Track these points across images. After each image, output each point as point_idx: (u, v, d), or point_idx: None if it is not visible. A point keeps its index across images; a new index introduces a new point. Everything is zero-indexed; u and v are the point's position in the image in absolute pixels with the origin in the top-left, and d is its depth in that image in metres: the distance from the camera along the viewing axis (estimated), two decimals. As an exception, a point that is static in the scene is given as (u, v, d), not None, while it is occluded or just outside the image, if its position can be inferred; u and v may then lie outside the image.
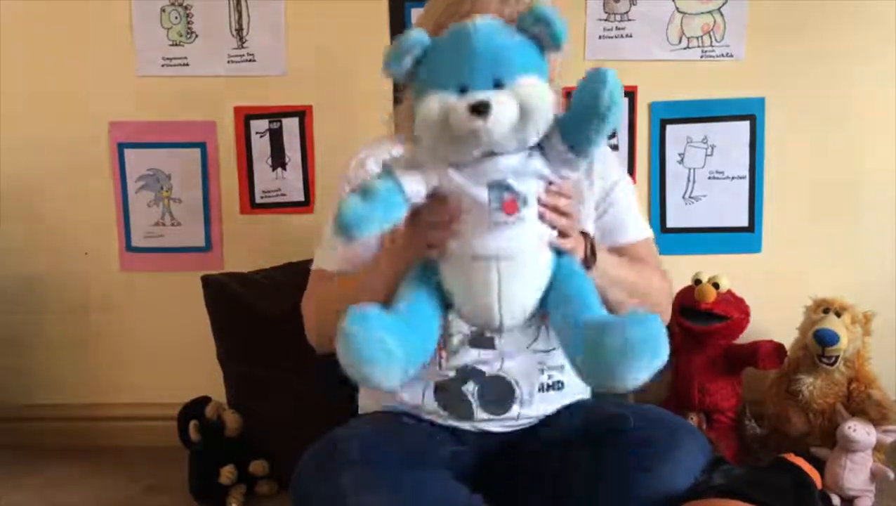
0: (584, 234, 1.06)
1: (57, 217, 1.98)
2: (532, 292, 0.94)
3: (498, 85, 0.88)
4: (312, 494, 1.04)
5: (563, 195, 0.96)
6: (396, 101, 1.14)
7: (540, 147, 0.93)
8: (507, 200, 0.91)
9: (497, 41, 0.90)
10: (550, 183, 0.94)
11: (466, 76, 0.89)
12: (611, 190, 1.26)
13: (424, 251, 0.98)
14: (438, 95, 0.89)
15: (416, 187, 0.92)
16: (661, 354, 0.84)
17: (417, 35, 0.92)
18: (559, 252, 0.97)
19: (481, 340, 1.18)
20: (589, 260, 1.05)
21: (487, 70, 0.88)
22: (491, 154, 0.90)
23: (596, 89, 0.85)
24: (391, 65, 0.93)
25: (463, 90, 0.88)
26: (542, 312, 0.96)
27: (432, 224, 0.96)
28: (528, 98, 0.87)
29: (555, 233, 0.95)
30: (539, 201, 0.93)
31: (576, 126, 0.89)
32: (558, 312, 0.93)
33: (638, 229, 1.28)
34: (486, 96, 0.86)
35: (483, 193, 0.91)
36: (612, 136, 1.86)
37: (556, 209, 0.95)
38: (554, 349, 1.19)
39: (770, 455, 1.41)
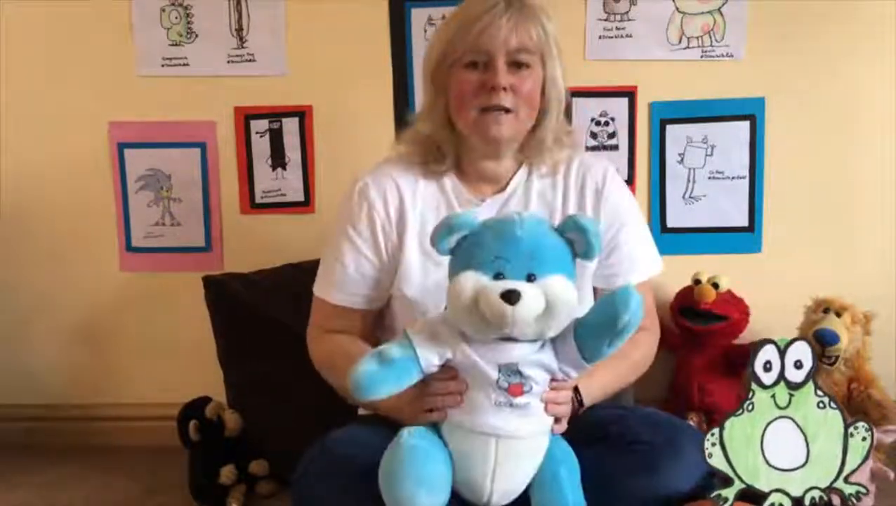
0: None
1: (57, 217, 1.97)
2: (524, 475, 1.00)
3: (530, 278, 0.94)
4: (312, 495, 1.04)
5: (563, 389, 1.03)
6: (399, 121, 1.15)
7: (552, 342, 0.99)
8: (515, 384, 0.97)
9: (538, 239, 0.97)
10: (553, 379, 1.00)
11: (504, 265, 0.94)
12: (617, 232, 1.28)
13: (424, 416, 1.03)
14: (475, 275, 0.94)
15: (431, 359, 0.98)
16: None
17: (467, 218, 0.99)
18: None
19: None
20: (578, 410, 1.12)
21: (524, 263, 0.95)
22: (508, 339, 0.96)
23: (618, 310, 0.92)
24: (439, 243, 0.99)
25: (497, 276, 0.94)
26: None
27: (437, 392, 1.01)
28: (555, 295, 0.93)
29: (552, 420, 1.02)
30: (541, 398, 0.99)
31: (590, 334, 0.96)
32: (541, 492, 0.99)
33: (638, 273, 1.29)
34: (518, 286, 0.92)
35: (493, 373, 0.97)
36: (612, 136, 1.86)
37: (555, 402, 1.01)
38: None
39: (770, 455, 1.40)
